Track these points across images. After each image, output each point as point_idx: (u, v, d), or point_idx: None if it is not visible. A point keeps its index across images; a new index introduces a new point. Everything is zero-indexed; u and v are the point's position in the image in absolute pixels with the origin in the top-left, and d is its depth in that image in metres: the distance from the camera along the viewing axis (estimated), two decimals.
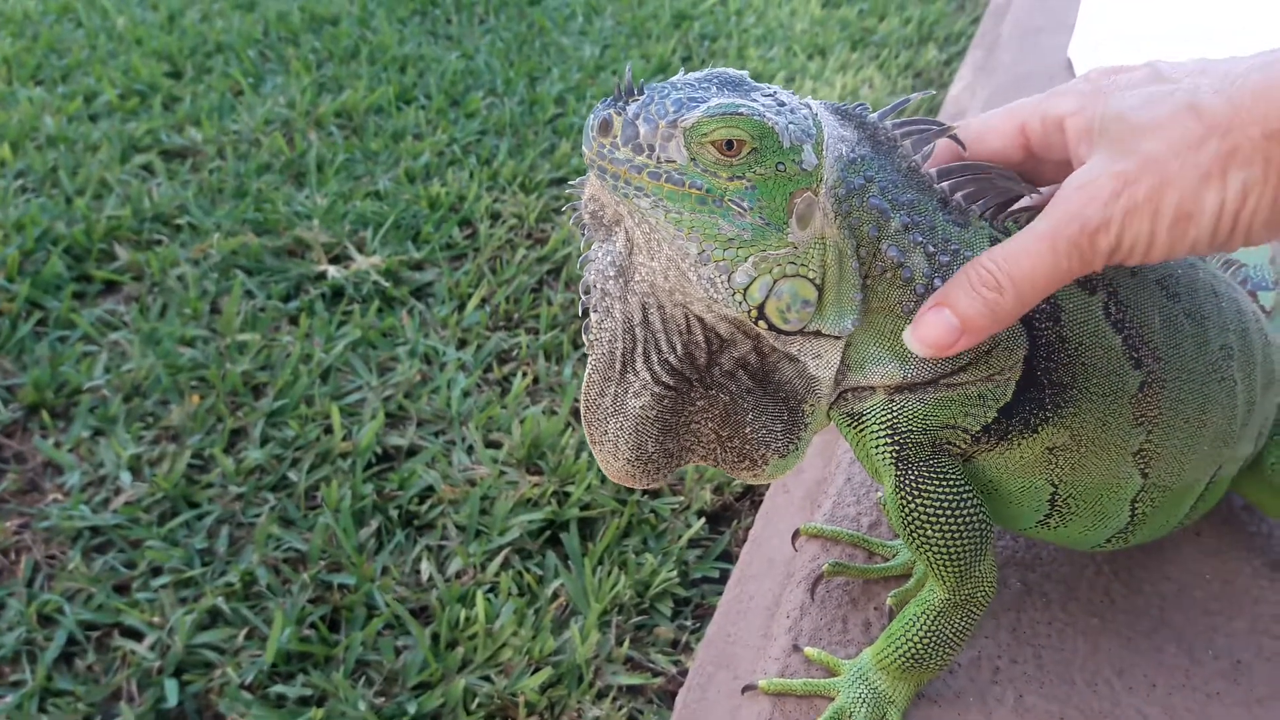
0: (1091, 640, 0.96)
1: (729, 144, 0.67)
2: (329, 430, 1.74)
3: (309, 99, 2.81)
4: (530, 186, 2.50)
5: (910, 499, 0.77)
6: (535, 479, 1.66)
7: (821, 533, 1.07)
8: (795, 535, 1.08)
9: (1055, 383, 0.78)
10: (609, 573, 1.50)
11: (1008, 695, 0.91)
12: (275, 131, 2.66)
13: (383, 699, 1.34)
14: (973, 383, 0.77)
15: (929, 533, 0.77)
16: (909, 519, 0.77)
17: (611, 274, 0.73)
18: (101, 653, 1.40)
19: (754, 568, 1.14)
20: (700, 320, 0.74)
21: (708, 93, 0.68)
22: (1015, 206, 0.77)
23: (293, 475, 1.66)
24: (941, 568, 0.78)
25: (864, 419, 0.78)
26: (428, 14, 3.52)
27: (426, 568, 1.52)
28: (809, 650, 0.94)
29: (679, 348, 0.75)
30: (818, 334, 0.74)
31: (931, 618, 0.82)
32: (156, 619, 1.43)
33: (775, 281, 0.70)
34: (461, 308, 2.08)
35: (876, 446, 0.78)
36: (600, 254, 0.74)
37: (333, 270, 2.14)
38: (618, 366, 0.76)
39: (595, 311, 0.75)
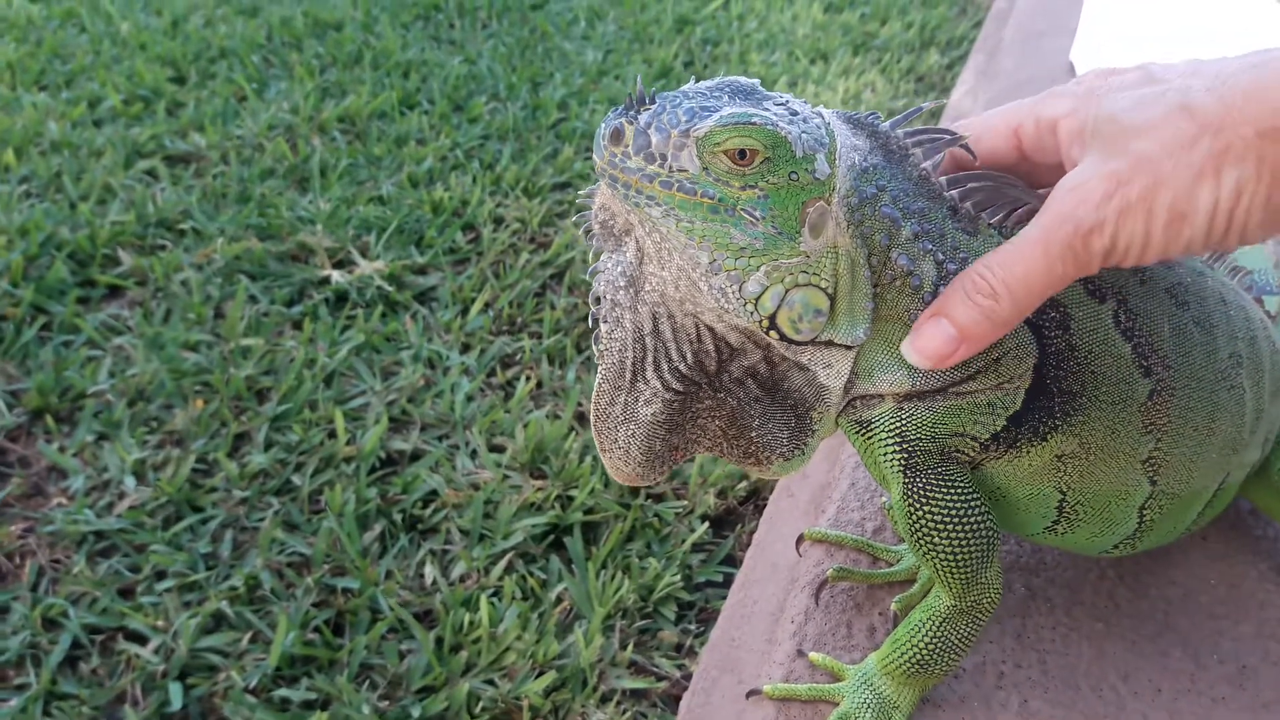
0: (1096, 645, 0.96)
1: (742, 153, 0.67)
2: (333, 435, 1.74)
3: (312, 104, 2.82)
4: (533, 191, 2.51)
5: (918, 506, 0.77)
6: (539, 483, 1.66)
7: (826, 538, 1.08)
8: (799, 540, 1.08)
9: (1065, 391, 0.78)
10: (613, 577, 1.50)
11: (1012, 700, 0.91)
12: (279, 137, 2.66)
13: (387, 703, 1.34)
14: (982, 391, 0.77)
15: (936, 540, 0.77)
16: (916, 526, 0.77)
17: (622, 284, 0.73)
18: (106, 656, 1.40)
19: (758, 572, 1.14)
20: (711, 330, 0.75)
21: (720, 101, 0.68)
22: (1022, 213, 0.77)
23: (297, 479, 1.66)
24: (948, 574, 0.78)
25: (872, 427, 0.78)
26: (431, 19, 3.53)
27: (430, 572, 1.52)
28: (814, 655, 0.94)
29: (689, 357, 0.75)
30: (829, 343, 0.74)
31: (937, 623, 0.82)
32: (161, 623, 1.43)
33: (787, 291, 0.70)
34: (465, 312, 2.09)
35: (885, 454, 0.77)
36: (610, 264, 0.74)
37: (336, 275, 2.15)
38: (628, 376, 0.76)
39: (605, 322, 0.75)
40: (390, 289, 2.12)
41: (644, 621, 1.47)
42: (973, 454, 0.79)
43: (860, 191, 0.72)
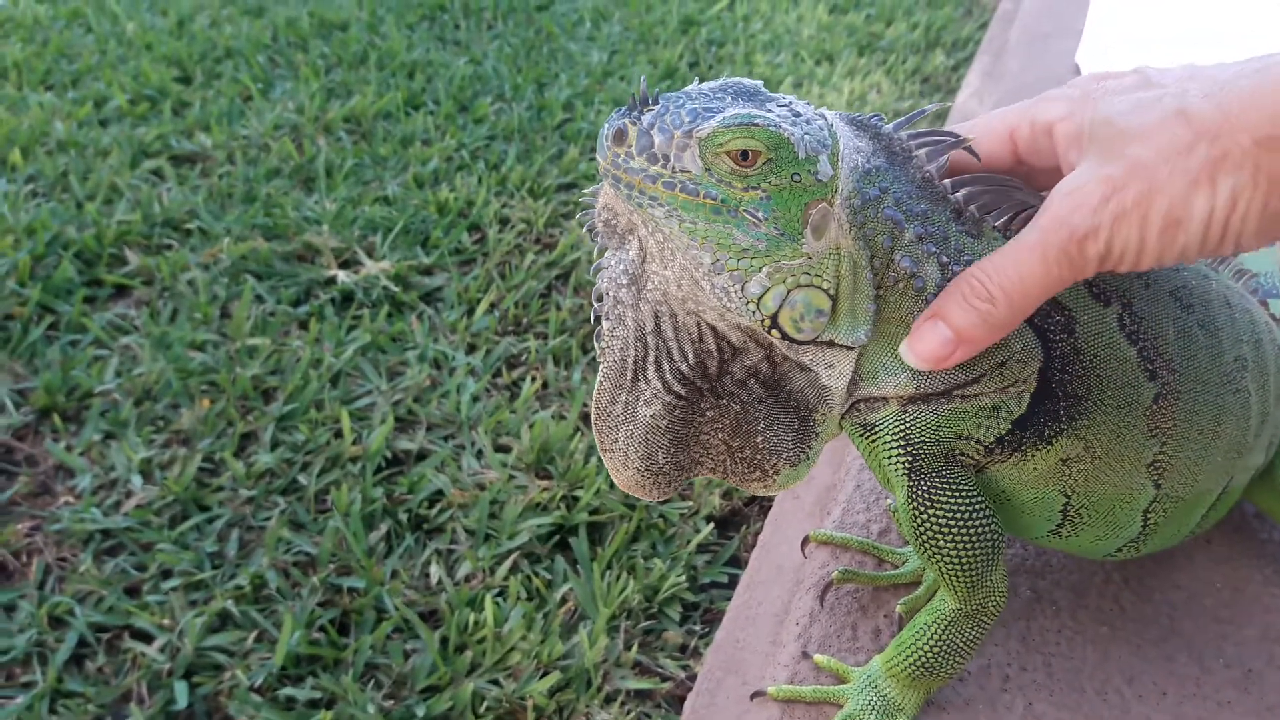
0: (1101, 648, 0.96)
1: (744, 154, 0.67)
2: (339, 434, 1.75)
3: (318, 104, 2.83)
4: (538, 192, 2.51)
5: (923, 509, 0.77)
6: (544, 483, 1.66)
7: (831, 539, 1.08)
8: (805, 542, 1.08)
9: (1070, 395, 0.78)
10: (617, 577, 1.50)
11: (1017, 703, 0.91)
12: (284, 137, 2.67)
13: (392, 702, 1.34)
14: (987, 394, 0.77)
15: (941, 543, 0.77)
16: (921, 529, 0.77)
17: (624, 282, 0.73)
18: (112, 655, 1.41)
19: (763, 574, 1.14)
20: (713, 329, 0.75)
21: (723, 103, 0.68)
22: (1025, 216, 0.77)
23: (303, 479, 1.67)
24: (953, 577, 0.78)
25: (876, 429, 0.78)
26: (436, 20, 3.53)
27: (436, 571, 1.52)
28: (818, 657, 0.94)
29: (691, 356, 0.75)
30: (831, 344, 0.74)
31: (942, 626, 0.82)
32: (167, 621, 1.43)
33: (789, 291, 0.70)
34: (470, 313, 2.09)
35: (889, 457, 0.78)
36: (613, 262, 0.74)
37: (342, 275, 2.15)
38: (629, 374, 0.76)
39: (607, 319, 0.75)
40: (396, 289, 2.13)
41: (649, 622, 1.47)
42: (977, 457, 0.79)
43: (863, 193, 0.72)
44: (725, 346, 0.76)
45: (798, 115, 0.69)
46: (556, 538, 1.59)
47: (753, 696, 0.94)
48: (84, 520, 1.56)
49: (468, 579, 1.53)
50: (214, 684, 1.36)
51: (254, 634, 1.42)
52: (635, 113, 0.68)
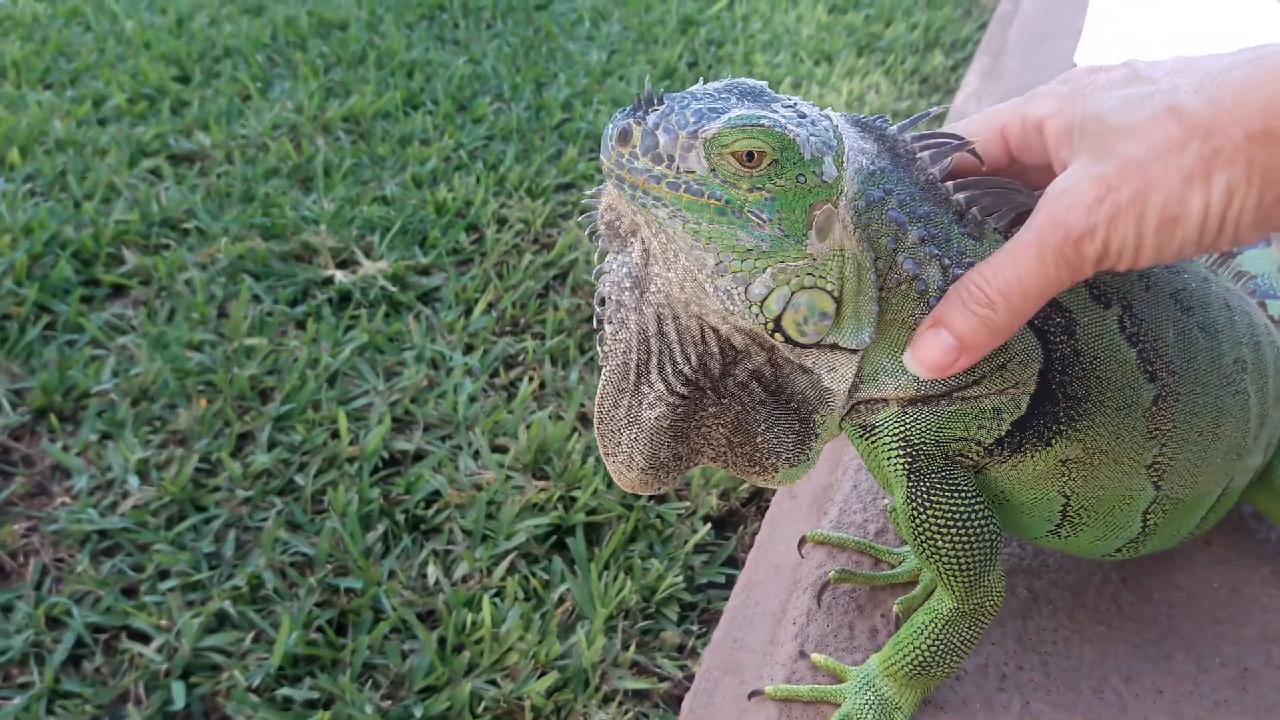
0: (1099, 647, 0.96)
1: (749, 155, 0.67)
2: (336, 435, 1.75)
3: (317, 104, 2.82)
4: (537, 192, 2.51)
5: (921, 510, 0.77)
6: (541, 484, 1.66)
7: (828, 539, 1.08)
8: (802, 542, 1.08)
9: (1069, 396, 0.78)
10: (615, 577, 1.50)
11: (1014, 702, 0.91)
12: (283, 136, 2.67)
13: (389, 702, 1.34)
14: (987, 396, 0.77)
15: (939, 543, 0.77)
16: (920, 529, 0.77)
17: (627, 285, 0.73)
18: (109, 655, 1.41)
19: (760, 574, 1.14)
20: (715, 331, 0.74)
21: (728, 103, 0.68)
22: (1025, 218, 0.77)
23: (300, 479, 1.67)
24: (951, 577, 0.78)
25: (877, 431, 0.78)
26: (435, 19, 3.53)
27: (433, 572, 1.52)
28: (816, 656, 0.94)
29: (694, 359, 0.75)
30: (834, 347, 0.73)
31: (939, 626, 0.82)
32: (164, 622, 1.43)
33: (793, 293, 0.70)
34: (468, 313, 2.09)
35: (889, 458, 0.77)
36: (615, 265, 0.74)
37: (340, 275, 2.15)
38: (632, 378, 0.76)
39: (610, 323, 0.75)
40: (394, 289, 2.13)
41: (646, 622, 1.47)
42: (977, 458, 0.79)
43: (867, 195, 0.72)
44: (728, 349, 0.76)
45: (803, 116, 0.69)
46: (554, 538, 1.59)
47: (750, 696, 0.94)
48: (81, 521, 1.56)
49: (465, 579, 1.53)
50: (211, 684, 1.36)
51: (251, 634, 1.42)
52: (640, 113, 0.68)
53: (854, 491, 1.16)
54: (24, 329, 1.94)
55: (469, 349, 2.00)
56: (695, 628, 1.48)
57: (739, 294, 0.70)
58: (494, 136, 2.76)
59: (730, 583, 1.50)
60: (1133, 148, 0.63)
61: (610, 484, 1.65)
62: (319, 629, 1.43)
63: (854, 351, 0.74)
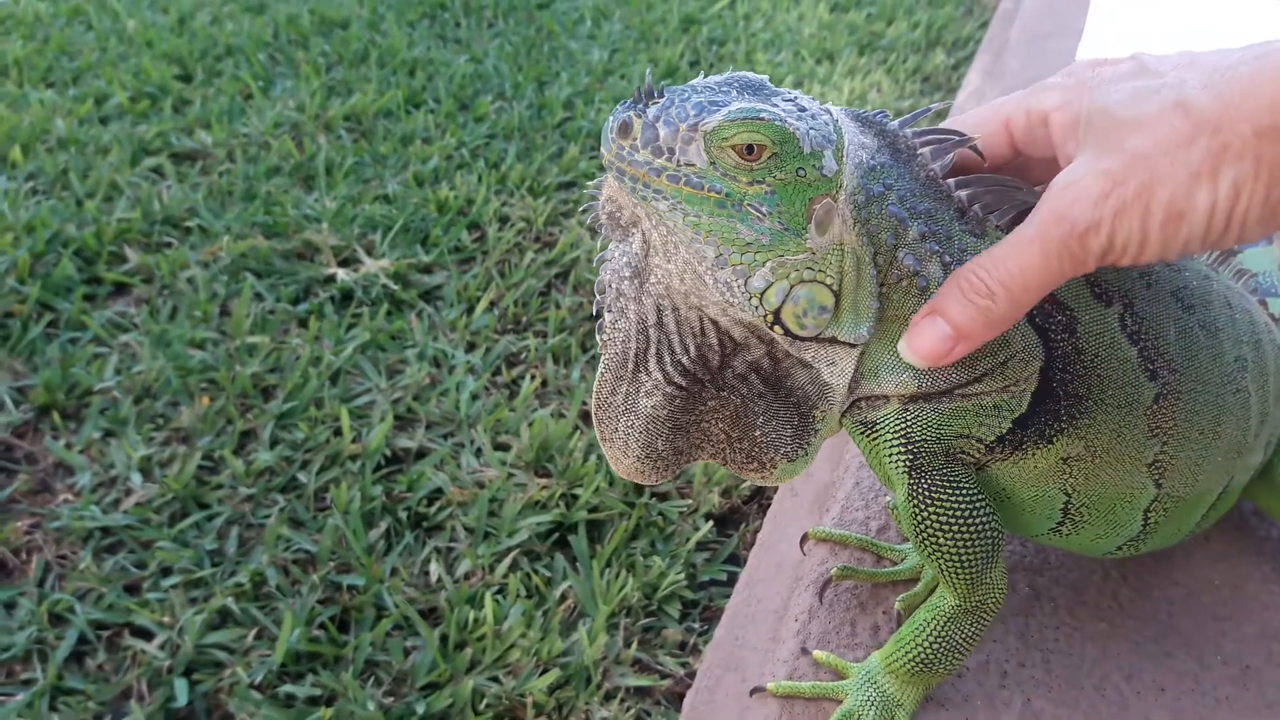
0: (1100, 645, 0.96)
1: (749, 148, 0.67)
2: (338, 432, 1.75)
3: (318, 102, 2.83)
4: (538, 190, 2.51)
5: (923, 507, 0.77)
6: (543, 481, 1.66)
7: (830, 536, 1.08)
8: (803, 539, 1.09)
9: (1071, 394, 0.78)
10: (617, 575, 1.50)
11: (1015, 699, 0.91)
12: (285, 135, 2.67)
13: (391, 699, 1.34)
14: (988, 393, 0.77)
15: (941, 541, 0.77)
16: (921, 527, 0.77)
17: (627, 274, 0.73)
18: (112, 652, 1.41)
19: (762, 571, 1.14)
20: (714, 323, 0.75)
21: (728, 96, 0.68)
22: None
23: (302, 477, 1.67)
24: (953, 575, 0.78)
25: (878, 428, 0.78)
26: (437, 18, 3.53)
27: (435, 569, 1.52)
28: (817, 653, 0.95)
29: (692, 349, 0.75)
30: (833, 341, 0.74)
31: (941, 623, 0.82)
32: (166, 619, 1.43)
33: (792, 287, 0.70)
34: (470, 311, 2.09)
35: (890, 455, 0.78)
36: (616, 254, 0.74)
37: (342, 273, 2.15)
38: (630, 366, 0.76)
39: (609, 311, 0.75)
40: (395, 287, 2.13)
41: (648, 619, 1.47)
42: (978, 455, 0.79)
43: (867, 189, 0.72)
44: (727, 341, 0.76)
45: (803, 110, 0.69)
46: (556, 535, 1.59)
47: (752, 693, 0.94)
48: (83, 518, 1.56)
49: (467, 576, 1.53)
50: (214, 681, 1.36)
51: (254, 631, 1.42)
52: (640, 106, 0.68)
53: (856, 489, 1.16)
54: (26, 327, 1.94)
55: (471, 347, 2.00)
56: (697, 625, 1.48)
57: (738, 287, 0.70)
58: (496, 135, 2.76)
59: (732, 580, 1.50)
60: (1140, 142, 0.63)
61: (612, 481, 1.66)
62: (321, 626, 1.43)
63: (853, 346, 0.74)
